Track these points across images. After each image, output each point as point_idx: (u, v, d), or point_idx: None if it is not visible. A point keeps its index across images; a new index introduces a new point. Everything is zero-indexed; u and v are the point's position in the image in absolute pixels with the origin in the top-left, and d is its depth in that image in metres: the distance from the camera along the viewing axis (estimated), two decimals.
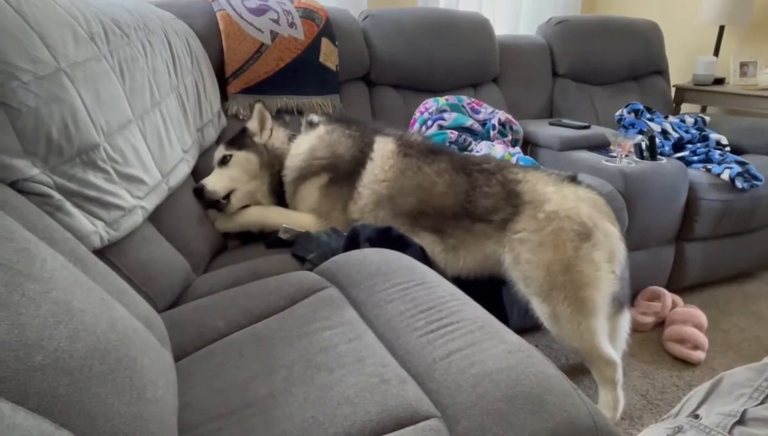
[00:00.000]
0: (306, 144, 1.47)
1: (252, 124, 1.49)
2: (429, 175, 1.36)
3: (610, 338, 1.32)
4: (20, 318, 0.50)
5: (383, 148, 1.43)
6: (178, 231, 1.18)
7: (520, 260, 1.23)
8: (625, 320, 1.34)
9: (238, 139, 1.47)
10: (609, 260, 1.24)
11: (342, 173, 1.40)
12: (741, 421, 0.45)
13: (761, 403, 0.46)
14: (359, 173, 1.40)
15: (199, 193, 1.34)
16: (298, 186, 1.44)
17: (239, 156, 1.43)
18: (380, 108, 2.00)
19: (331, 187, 1.40)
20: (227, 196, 1.38)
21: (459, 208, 1.31)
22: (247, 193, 1.44)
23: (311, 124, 1.53)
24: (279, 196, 1.49)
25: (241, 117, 1.67)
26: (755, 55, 2.74)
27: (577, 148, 1.92)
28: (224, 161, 1.42)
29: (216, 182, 1.37)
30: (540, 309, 1.24)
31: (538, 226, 1.23)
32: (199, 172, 1.42)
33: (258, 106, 1.50)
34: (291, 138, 1.52)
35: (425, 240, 1.29)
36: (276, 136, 1.52)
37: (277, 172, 1.47)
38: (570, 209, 1.23)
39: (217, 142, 1.54)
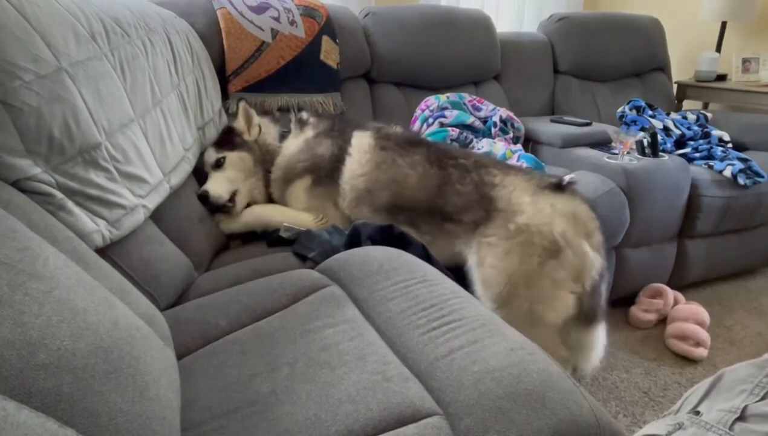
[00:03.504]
0: (294, 146, 1.48)
1: (239, 124, 1.50)
2: (402, 167, 1.36)
3: (579, 351, 1.27)
4: (23, 317, 0.50)
5: (360, 142, 1.44)
6: (180, 230, 1.19)
7: (484, 264, 1.21)
8: (598, 334, 1.27)
9: (228, 139, 1.48)
10: (575, 279, 1.19)
11: (323, 172, 1.41)
12: (742, 417, 0.45)
13: (762, 399, 0.46)
14: (340, 170, 1.40)
15: (204, 199, 1.33)
16: (285, 189, 1.46)
17: (232, 157, 1.43)
18: (381, 106, 2.00)
19: (316, 187, 1.42)
20: (232, 199, 1.39)
21: (430, 203, 1.29)
22: (248, 192, 1.45)
23: (301, 122, 1.55)
24: None
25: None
26: (758, 51, 2.73)
27: (578, 146, 1.91)
28: (219, 164, 1.42)
29: (218, 187, 1.37)
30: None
31: (507, 235, 1.20)
32: (200, 170, 1.43)
33: (242, 105, 1.50)
34: (282, 136, 1.54)
35: None
36: (267, 132, 1.53)
37: (270, 167, 1.49)
38: (543, 225, 1.19)
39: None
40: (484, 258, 1.22)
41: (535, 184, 1.27)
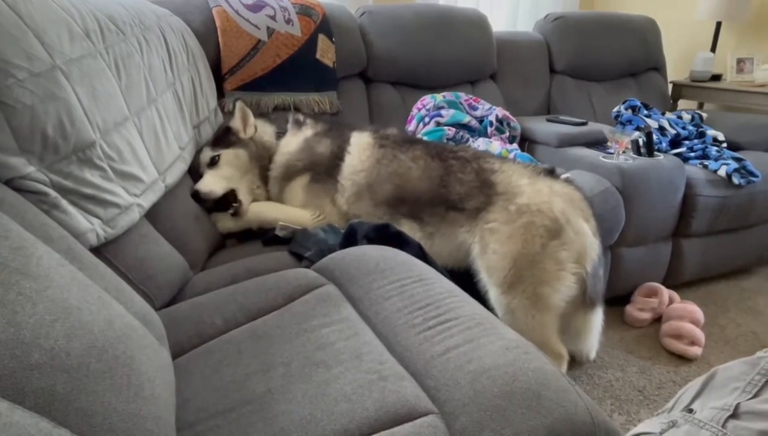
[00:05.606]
0: (293, 145, 1.50)
1: (235, 123, 1.51)
2: (404, 161, 1.39)
3: (582, 335, 1.33)
4: (16, 316, 0.50)
5: (359, 141, 1.47)
6: (176, 229, 1.18)
7: (487, 250, 1.24)
8: (598, 317, 1.34)
9: (224, 138, 1.48)
10: (577, 260, 1.23)
11: (322, 169, 1.43)
12: (734, 415, 0.45)
13: (754, 396, 0.46)
14: (338, 167, 1.42)
15: (197, 196, 1.33)
16: (284, 186, 1.47)
17: (227, 154, 1.44)
18: (378, 105, 2.00)
19: (314, 184, 1.43)
20: (238, 200, 1.39)
21: (434, 193, 1.32)
22: (248, 190, 1.45)
23: (297, 123, 1.56)
24: None
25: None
26: (752, 52, 2.74)
27: (574, 145, 1.92)
28: (213, 162, 1.42)
29: (210, 183, 1.37)
30: (498, 300, 1.23)
31: (509, 218, 1.23)
32: (196, 169, 1.42)
33: (239, 104, 1.52)
34: (279, 135, 1.55)
35: (405, 227, 1.31)
36: (263, 130, 1.55)
37: (267, 164, 1.50)
38: (542, 203, 1.23)
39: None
40: (487, 245, 1.24)
41: (531, 170, 1.34)
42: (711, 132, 2.14)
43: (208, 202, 1.35)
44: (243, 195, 1.41)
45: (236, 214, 1.38)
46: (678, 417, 0.49)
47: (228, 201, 1.38)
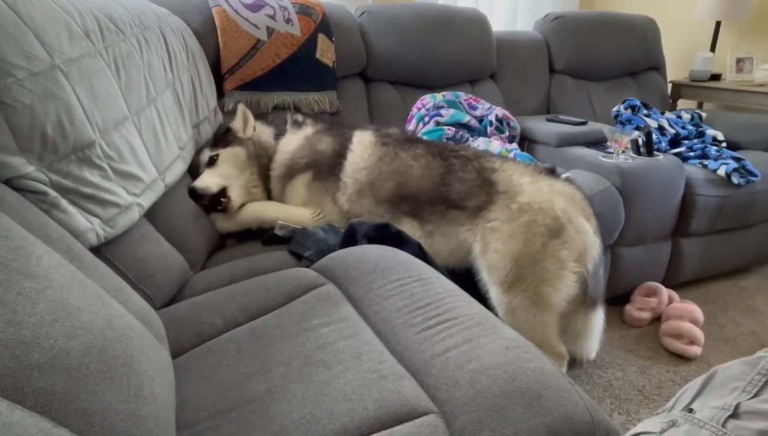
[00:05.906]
0: (294, 143, 1.51)
1: (236, 124, 1.52)
2: (405, 159, 1.39)
3: (583, 335, 1.33)
4: (16, 316, 0.50)
5: (362, 139, 1.48)
6: (175, 228, 1.18)
7: (489, 249, 1.24)
8: (598, 317, 1.34)
9: (223, 138, 1.50)
10: (578, 259, 1.23)
11: (324, 167, 1.44)
12: (734, 414, 0.45)
13: (754, 396, 0.46)
14: (341, 165, 1.43)
15: (193, 193, 1.34)
16: (285, 185, 1.47)
17: (226, 152, 1.45)
18: (377, 104, 2.00)
19: (316, 182, 1.43)
20: (226, 196, 1.39)
21: (435, 191, 1.32)
22: (243, 188, 1.45)
23: (297, 123, 1.58)
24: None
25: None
26: (752, 51, 2.75)
27: (574, 145, 1.92)
28: (212, 161, 1.43)
29: (204, 180, 1.37)
30: (498, 299, 1.23)
31: (510, 216, 1.23)
32: (196, 170, 1.42)
33: (240, 107, 1.54)
34: (278, 136, 1.56)
35: (406, 226, 1.31)
36: (261, 130, 1.56)
37: (267, 164, 1.51)
38: (544, 202, 1.23)
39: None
40: (488, 244, 1.24)
41: (532, 169, 1.34)
42: (710, 131, 2.14)
43: (205, 198, 1.35)
44: (234, 192, 1.41)
45: (225, 210, 1.38)
46: (678, 417, 0.49)
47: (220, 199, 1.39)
